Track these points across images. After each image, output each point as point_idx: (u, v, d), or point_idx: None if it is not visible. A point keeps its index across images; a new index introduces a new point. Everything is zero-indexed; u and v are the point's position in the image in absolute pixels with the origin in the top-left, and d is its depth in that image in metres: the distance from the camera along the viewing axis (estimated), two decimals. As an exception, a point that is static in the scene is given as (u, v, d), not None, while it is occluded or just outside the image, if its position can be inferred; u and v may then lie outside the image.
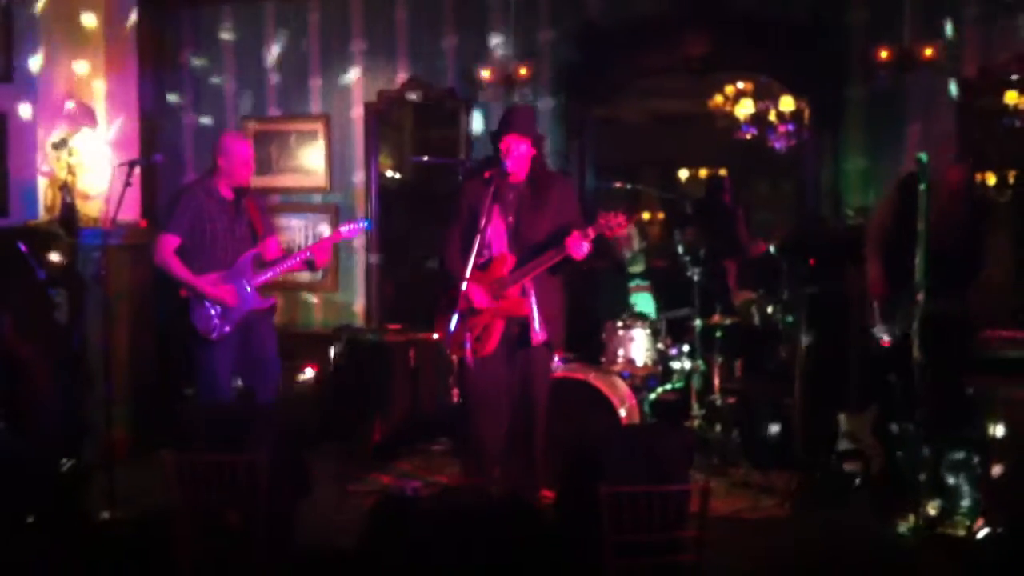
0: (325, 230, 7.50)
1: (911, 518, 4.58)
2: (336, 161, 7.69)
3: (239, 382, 5.64)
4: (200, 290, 5.27)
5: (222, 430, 4.30)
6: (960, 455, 4.80)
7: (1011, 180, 7.08)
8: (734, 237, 7.45)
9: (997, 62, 6.61)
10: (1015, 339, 5.25)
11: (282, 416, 4.98)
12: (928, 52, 6.52)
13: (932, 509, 4.63)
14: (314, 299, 7.74)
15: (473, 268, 4.57)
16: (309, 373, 6.84)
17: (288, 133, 7.78)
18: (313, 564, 4.45)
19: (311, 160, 7.73)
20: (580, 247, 4.63)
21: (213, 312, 5.30)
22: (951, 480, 4.75)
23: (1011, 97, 6.51)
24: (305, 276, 7.15)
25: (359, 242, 7.63)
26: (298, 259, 5.47)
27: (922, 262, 4.43)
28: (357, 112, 7.67)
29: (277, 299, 5.81)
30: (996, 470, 4.74)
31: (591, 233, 4.66)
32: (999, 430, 4.91)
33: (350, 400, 6.51)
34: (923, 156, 4.62)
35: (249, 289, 5.38)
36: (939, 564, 4.38)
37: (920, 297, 4.45)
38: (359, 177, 7.66)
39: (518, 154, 4.78)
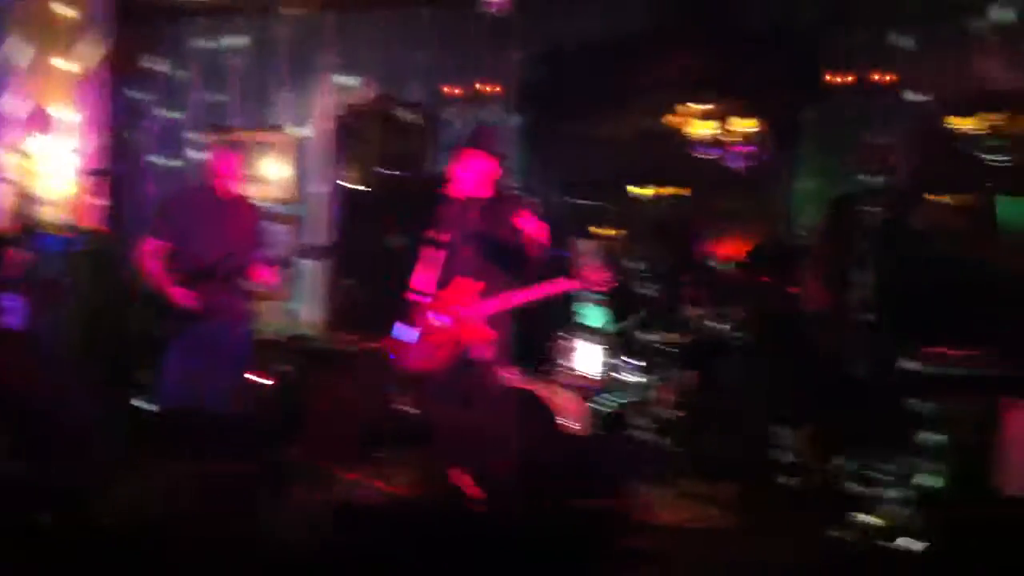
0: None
1: (849, 530, 4.67)
2: (301, 173, 7.74)
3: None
4: (167, 294, 5.33)
5: (197, 438, 4.32)
6: (897, 469, 4.89)
7: (962, 204, 7.20)
8: (690, 253, 7.54)
9: (950, 88, 6.78)
10: (950, 356, 5.38)
11: (254, 424, 5.01)
12: (883, 77, 6.69)
13: (869, 521, 4.72)
14: (268, 307, 7.76)
15: (437, 287, 4.66)
16: (262, 382, 6.86)
17: (252, 144, 7.83)
18: (263, 572, 4.47)
19: (275, 171, 7.77)
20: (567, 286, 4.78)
21: (182, 317, 5.35)
22: (887, 493, 4.84)
23: (961, 122, 6.63)
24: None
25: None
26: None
27: (862, 282, 4.54)
28: (323, 124, 7.73)
29: (248, 306, 5.82)
30: (930, 484, 4.85)
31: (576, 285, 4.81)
32: (935, 445, 5.03)
33: (302, 409, 6.54)
34: (867, 178, 4.74)
35: (222, 297, 5.43)
36: (876, 574, 4.46)
37: (858, 314, 4.56)
38: (323, 188, 7.71)
39: (479, 172, 4.86)
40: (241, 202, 5.78)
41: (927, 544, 4.55)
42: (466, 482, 5.06)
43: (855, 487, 4.73)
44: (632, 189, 8.81)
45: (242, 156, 5.85)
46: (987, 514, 4.52)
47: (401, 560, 3.83)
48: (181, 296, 5.33)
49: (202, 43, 7.98)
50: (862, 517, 4.71)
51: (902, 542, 4.63)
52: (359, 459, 6.47)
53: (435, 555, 3.84)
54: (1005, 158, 6.34)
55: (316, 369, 6.63)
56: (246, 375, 5.97)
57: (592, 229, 7.66)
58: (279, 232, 7.65)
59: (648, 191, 9.13)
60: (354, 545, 4.01)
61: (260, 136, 7.84)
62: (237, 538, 4.12)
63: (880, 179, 4.69)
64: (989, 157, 6.35)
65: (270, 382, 6.87)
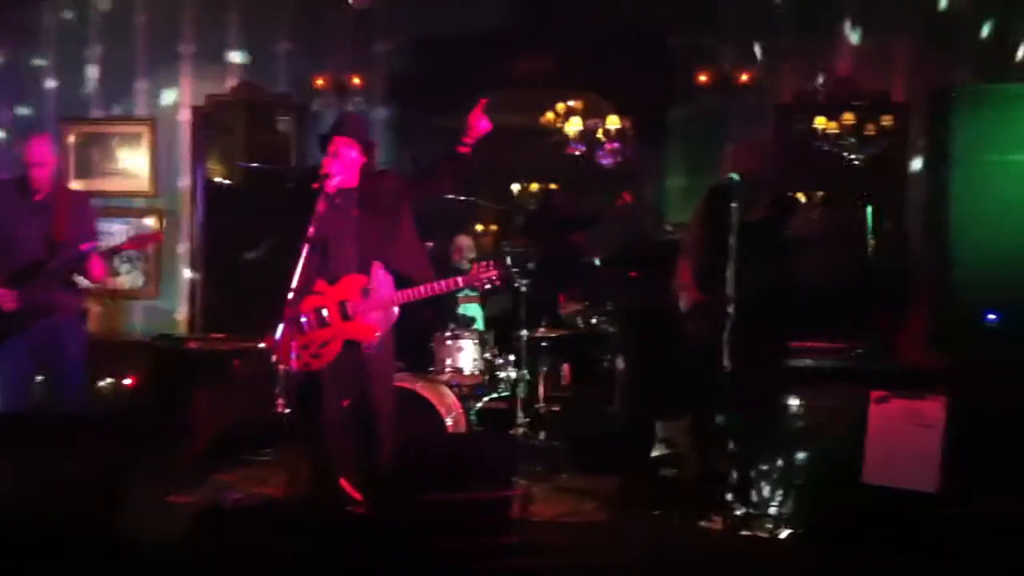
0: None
1: (720, 520, 4.79)
2: (161, 165, 7.50)
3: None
4: None
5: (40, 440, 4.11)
6: (768, 460, 5.04)
7: (820, 201, 7.48)
8: (562, 249, 7.62)
9: (809, 88, 7.04)
10: (820, 349, 5.59)
11: (95, 424, 4.80)
12: (745, 77, 6.89)
13: (740, 511, 4.85)
14: (135, 306, 7.51)
15: (321, 283, 4.56)
16: (126, 382, 6.63)
17: (111, 135, 7.55)
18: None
19: (135, 164, 7.50)
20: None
21: (9, 318, 5.10)
22: (758, 484, 4.98)
23: (820, 122, 6.89)
24: (125, 282, 6.97)
25: (182, 249, 7.45)
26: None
27: (732, 275, 4.65)
28: (184, 115, 7.50)
29: (83, 304, 5.56)
30: (799, 474, 5.02)
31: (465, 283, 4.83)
32: (804, 436, 5.20)
33: (172, 409, 6.33)
34: (735, 176, 4.86)
35: (51, 295, 5.18)
36: (745, 562, 4.58)
37: (730, 308, 4.66)
38: (185, 182, 7.48)
39: (347, 159, 4.76)
40: (65, 194, 5.49)
41: (795, 533, 4.71)
42: (346, 483, 4.99)
43: (729, 478, 4.84)
44: (513, 186, 8.89)
45: (53, 144, 5.51)
46: (852, 504, 4.70)
47: (271, 562, 3.74)
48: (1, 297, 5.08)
49: (58, 30, 7.59)
50: (736, 507, 4.82)
51: (773, 531, 4.77)
52: (233, 461, 6.32)
53: (309, 556, 3.77)
54: (863, 156, 6.60)
55: (184, 369, 6.42)
56: (83, 374, 5.69)
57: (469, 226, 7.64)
58: (139, 226, 7.42)
59: (519, 188, 9.21)
60: (220, 548, 3.88)
61: (118, 127, 7.52)
62: (88, 541, 3.97)
63: (742, 177, 4.79)
64: (849, 155, 6.61)
65: (130, 382, 6.64)
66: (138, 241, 5.85)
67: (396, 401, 4.97)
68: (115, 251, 5.53)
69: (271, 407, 4.94)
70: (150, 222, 7.43)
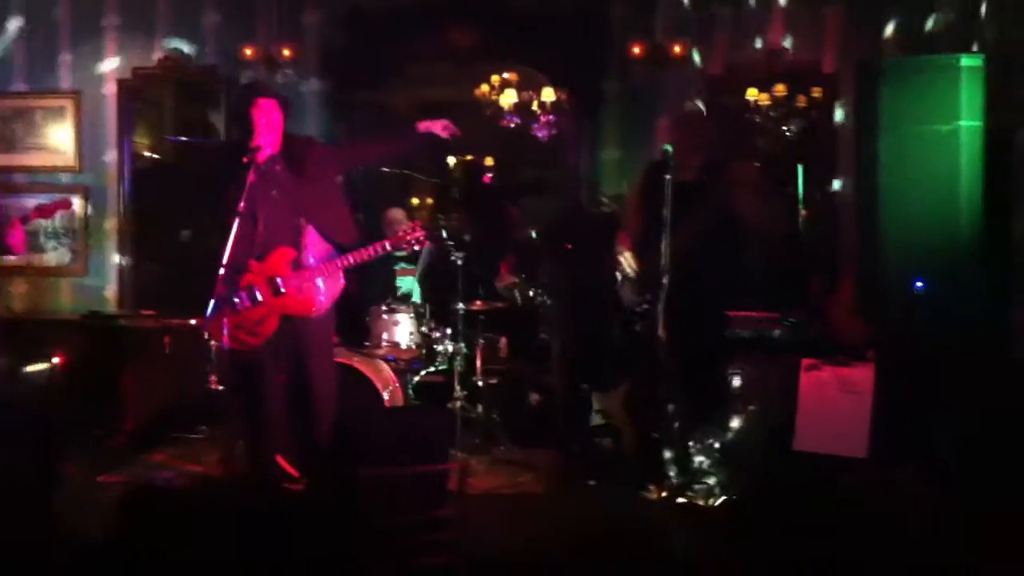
0: (74, 212, 7.15)
1: (657, 489, 4.84)
2: (87, 140, 7.33)
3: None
4: None
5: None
6: (703, 429, 5.10)
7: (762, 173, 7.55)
8: (498, 221, 7.61)
9: (741, 60, 7.08)
10: (754, 319, 5.65)
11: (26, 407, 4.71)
12: (678, 49, 6.91)
13: (676, 480, 4.90)
14: (62, 284, 7.34)
15: (251, 259, 4.50)
16: (54, 360, 6.49)
17: (34, 110, 7.35)
18: (59, 556, 4.23)
19: (59, 138, 7.32)
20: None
21: None
22: (694, 452, 5.04)
23: (752, 93, 6.94)
24: (52, 260, 6.82)
25: (110, 225, 7.30)
26: None
27: (667, 248, 4.67)
28: (110, 89, 7.32)
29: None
30: (734, 442, 5.09)
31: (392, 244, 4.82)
32: (737, 405, 5.27)
33: (101, 388, 6.22)
34: (669, 147, 4.87)
35: None
36: (682, 530, 4.64)
37: (665, 280, 4.69)
38: (112, 157, 7.32)
39: (272, 122, 4.67)
40: None
41: (730, 499, 4.77)
42: (282, 459, 4.95)
43: (665, 447, 4.88)
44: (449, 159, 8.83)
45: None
46: (785, 471, 4.79)
47: (203, 542, 3.70)
48: None
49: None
50: (672, 476, 4.88)
51: (708, 499, 4.84)
52: (165, 439, 6.24)
53: (242, 535, 3.73)
54: (795, 128, 6.67)
55: (115, 348, 6.30)
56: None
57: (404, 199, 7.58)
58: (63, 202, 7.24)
59: (455, 161, 9.16)
60: (152, 529, 3.83)
61: (41, 100, 7.32)
62: (18, 523, 3.90)
63: (675, 148, 4.82)
64: (780, 127, 6.67)
65: (56, 361, 6.50)
66: (46, 210, 5.68)
67: (331, 377, 4.93)
68: (24, 220, 5.39)
69: (204, 384, 4.89)
70: (75, 198, 7.25)
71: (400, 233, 4.84)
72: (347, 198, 4.93)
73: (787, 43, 6.97)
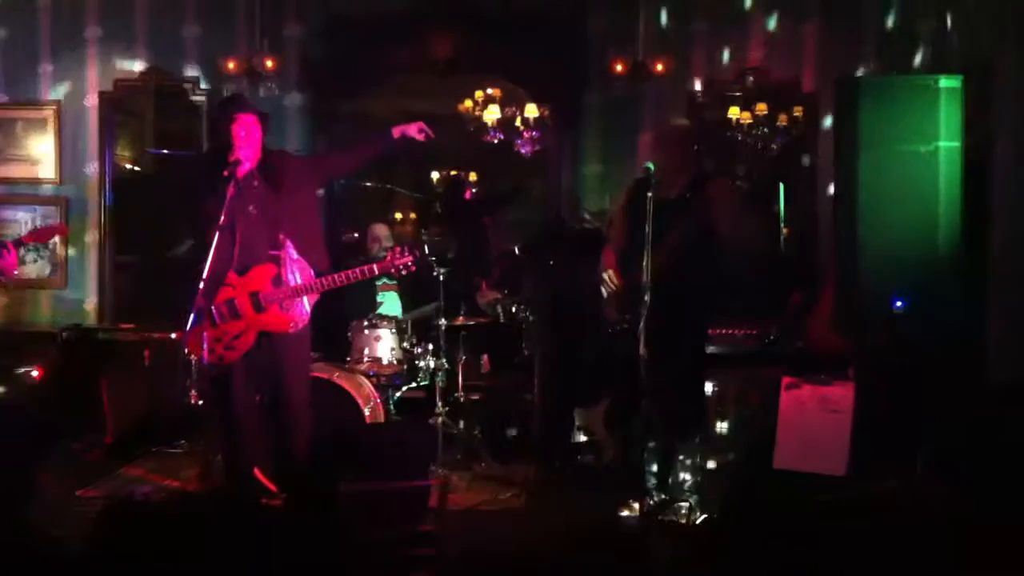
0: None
1: (637, 506, 4.84)
2: (67, 152, 7.30)
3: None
4: None
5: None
6: (684, 446, 5.11)
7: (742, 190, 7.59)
8: (480, 237, 7.62)
9: (722, 78, 7.13)
10: (735, 335, 5.68)
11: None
12: (660, 66, 6.94)
13: (656, 497, 4.91)
14: (42, 296, 7.29)
15: (231, 274, 4.48)
16: (34, 373, 6.45)
17: (15, 121, 7.32)
18: (35, 570, 4.18)
19: (40, 150, 7.29)
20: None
21: None
22: (675, 470, 5.04)
23: (734, 111, 6.99)
24: (32, 272, 6.78)
25: (91, 238, 7.26)
26: None
27: (649, 264, 4.68)
28: (91, 100, 7.30)
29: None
30: (713, 460, 5.10)
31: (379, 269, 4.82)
32: (718, 423, 5.29)
33: (79, 402, 6.19)
34: (650, 165, 4.89)
35: None
36: (661, 547, 4.64)
37: (647, 297, 4.69)
38: (93, 169, 7.29)
39: (251, 137, 4.66)
40: None
41: (710, 518, 4.78)
42: (260, 474, 4.93)
43: (646, 464, 4.89)
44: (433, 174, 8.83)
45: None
46: (765, 488, 4.79)
47: (181, 558, 3.68)
48: None
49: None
50: (653, 493, 4.88)
51: (689, 517, 4.84)
52: (144, 453, 6.20)
53: (219, 550, 3.71)
54: (776, 146, 6.71)
55: (94, 360, 6.27)
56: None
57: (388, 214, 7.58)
58: (45, 214, 7.22)
59: (438, 176, 9.17)
60: (129, 544, 3.80)
61: (22, 112, 7.29)
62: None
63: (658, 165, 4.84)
64: (761, 144, 6.71)
65: (37, 373, 6.47)
66: (41, 234, 5.68)
67: (310, 392, 4.92)
68: (17, 244, 5.39)
69: (184, 398, 4.85)
70: (55, 210, 7.22)
71: (388, 258, 4.84)
72: (328, 214, 4.92)
73: (767, 61, 7.02)
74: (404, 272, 4.88)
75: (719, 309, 5.38)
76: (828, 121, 6.63)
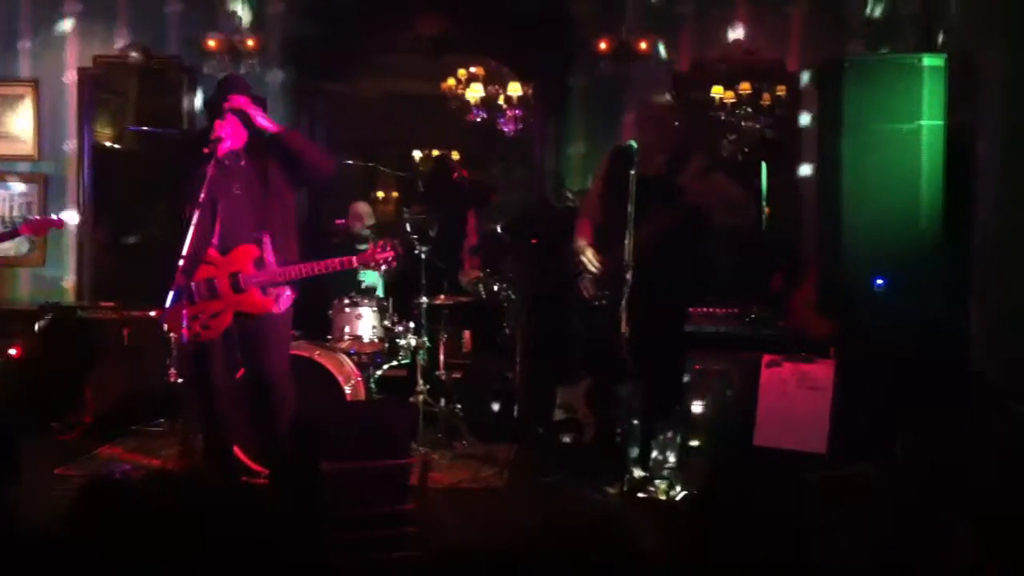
0: (32, 201, 7.06)
1: (618, 483, 4.85)
2: (46, 128, 7.23)
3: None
4: None
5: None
6: (664, 424, 5.11)
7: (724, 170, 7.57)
8: (463, 216, 7.59)
9: (707, 57, 7.11)
10: (715, 315, 5.69)
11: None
12: (644, 45, 6.91)
13: (637, 474, 4.92)
14: (20, 274, 7.24)
15: (212, 252, 4.44)
16: (11, 352, 6.41)
17: (-7, 97, 7.24)
18: (15, 550, 4.16)
19: (18, 126, 7.22)
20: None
21: None
22: (655, 447, 5.05)
23: (718, 91, 6.97)
24: (10, 249, 6.72)
25: (69, 216, 7.20)
26: None
27: (631, 243, 4.67)
28: (70, 77, 7.22)
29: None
30: (693, 438, 5.11)
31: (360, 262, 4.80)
32: (698, 401, 5.30)
33: (58, 380, 6.16)
34: (633, 143, 4.88)
35: None
36: (641, 523, 4.65)
37: (629, 275, 4.69)
38: (71, 146, 7.23)
39: (239, 118, 4.61)
40: None
41: (690, 494, 4.79)
42: (241, 453, 4.91)
43: (627, 442, 4.90)
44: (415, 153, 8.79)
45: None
46: (744, 465, 4.80)
47: (160, 536, 3.66)
48: None
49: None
50: (633, 470, 4.89)
51: (669, 494, 4.85)
52: (123, 432, 6.18)
53: (200, 529, 3.69)
54: (760, 125, 6.70)
55: (73, 339, 6.23)
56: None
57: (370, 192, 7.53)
58: (22, 192, 7.17)
59: (421, 154, 9.13)
60: (109, 522, 3.78)
61: (0, 88, 7.21)
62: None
63: (641, 144, 4.82)
64: (745, 124, 6.70)
65: (15, 352, 6.42)
66: (39, 227, 5.64)
67: (291, 371, 4.89)
68: (11, 236, 5.37)
69: (163, 377, 4.82)
70: (34, 187, 7.16)
71: (370, 251, 4.82)
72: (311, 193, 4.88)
73: (752, 40, 7.00)
74: (385, 267, 4.86)
75: (700, 288, 5.37)
76: (812, 100, 6.62)
